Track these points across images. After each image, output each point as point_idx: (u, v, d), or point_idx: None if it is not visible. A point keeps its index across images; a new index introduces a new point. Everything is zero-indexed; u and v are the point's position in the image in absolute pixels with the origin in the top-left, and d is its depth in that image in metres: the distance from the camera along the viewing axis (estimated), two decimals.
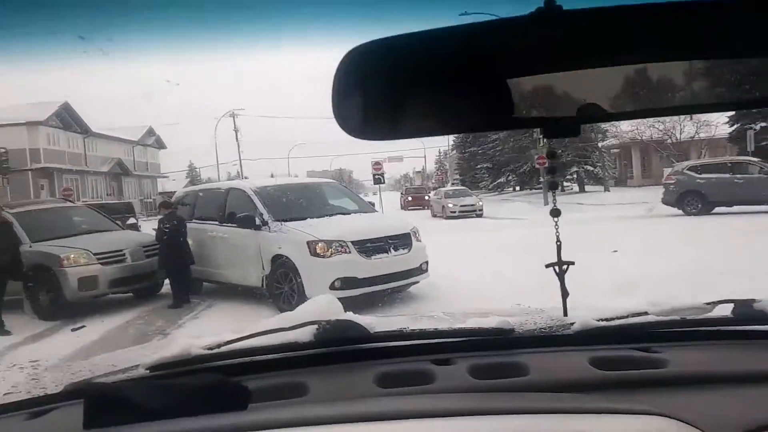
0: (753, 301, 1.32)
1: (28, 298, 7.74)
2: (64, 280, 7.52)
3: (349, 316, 1.39)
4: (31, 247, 8.07)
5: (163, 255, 7.84)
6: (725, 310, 1.34)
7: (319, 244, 6.51)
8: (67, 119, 34.21)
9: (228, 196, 7.98)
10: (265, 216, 7.14)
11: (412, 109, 0.70)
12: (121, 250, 7.98)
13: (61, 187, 30.29)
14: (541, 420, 0.84)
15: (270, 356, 1.24)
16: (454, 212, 22.95)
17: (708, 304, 1.38)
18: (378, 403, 0.95)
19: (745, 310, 1.31)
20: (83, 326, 6.94)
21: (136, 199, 35.44)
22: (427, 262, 7.07)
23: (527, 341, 1.28)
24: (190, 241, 7.90)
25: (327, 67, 0.83)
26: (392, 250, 6.76)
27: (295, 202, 7.63)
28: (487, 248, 9.87)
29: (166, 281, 8.26)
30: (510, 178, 41.73)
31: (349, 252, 6.50)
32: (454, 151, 61.90)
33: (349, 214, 7.58)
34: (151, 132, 45.36)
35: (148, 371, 1.19)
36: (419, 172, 69.26)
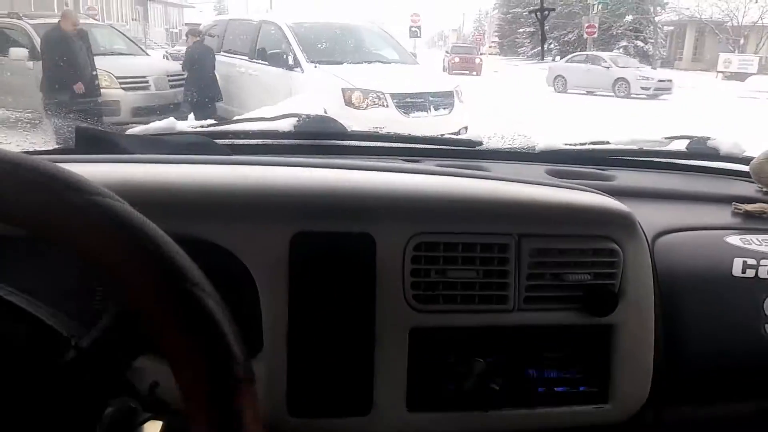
0: (707, 138, 1.39)
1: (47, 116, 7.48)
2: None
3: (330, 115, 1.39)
4: None
5: (189, 86, 7.40)
6: (681, 145, 1.42)
7: (355, 93, 6.01)
8: None
9: (260, 30, 7.33)
10: (299, 55, 6.57)
11: None
12: (144, 77, 7.52)
13: (86, 5, 29.04)
14: (484, 182, 0.90)
15: (250, 141, 1.26)
16: None
17: (666, 138, 1.45)
18: (343, 162, 0.98)
19: (698, 146, 1.39)
20: None
21: (161, 28, 34.11)
22: (466, 128, 6.59)
23: (493, 154, 1.36)
24: (217, 76, 7.41)
25: None
26: (432, 109, 6.26)
27: (333, 44, 7.00)
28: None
29: (190, 116, 7.92)
30: (552, 45, 39.38)
31: (387, 106, 6.02)
32: (496, 11, 58.29)
33: (389, 63, 6.98)
34: None
35: None
36: (455, 30, 65.70)
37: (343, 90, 6.03)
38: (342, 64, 6.48)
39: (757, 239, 1.00)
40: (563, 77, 15.95)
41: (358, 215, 0.81)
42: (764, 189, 1.19)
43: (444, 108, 6.38)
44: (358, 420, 0.82)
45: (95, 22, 9.85)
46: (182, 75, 7.93)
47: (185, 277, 0.41)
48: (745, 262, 0.96)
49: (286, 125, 1.29)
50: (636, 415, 0.90)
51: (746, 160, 1.26)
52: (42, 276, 0.62)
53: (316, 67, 6.39)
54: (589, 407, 0.88)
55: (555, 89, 15.79)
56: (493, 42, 54.76)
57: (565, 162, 1.33)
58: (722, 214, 1.10)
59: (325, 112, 5.98)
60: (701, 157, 1.38)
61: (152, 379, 0.58)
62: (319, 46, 6.85)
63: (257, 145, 1.28)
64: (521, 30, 43.15)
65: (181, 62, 7.80)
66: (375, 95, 6.01)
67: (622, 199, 0.97)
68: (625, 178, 1.24)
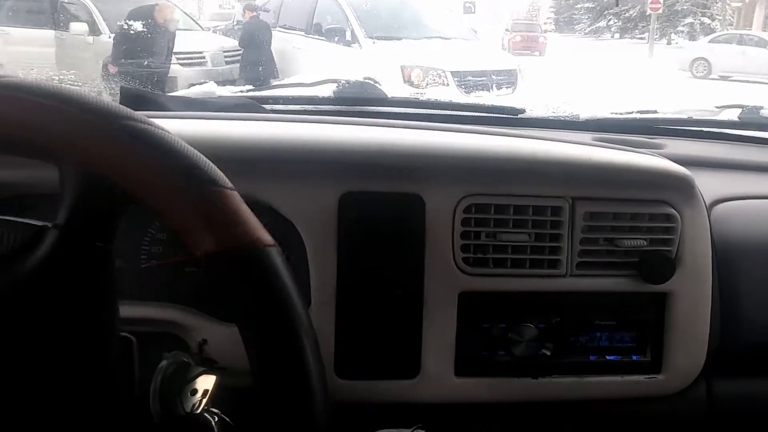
0: (761, 107, 1.35)
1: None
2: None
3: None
4: (110, 38, 7.69)
5: (246, 62, 7.31)
6: (732, 115, 1.37)
7: (415, 71, 5.79)
8: None
9: (317, 4, 7.15)
10: (357, 30, 6.37)
11: None
12: (201, 52, 7.46)
13: None
14: (537, 142, 0.86)
15: (289, 106, 1.26)
16: None
17: (717, 107, 1.41)
18: (393, 121, 0.97)
19: (751, 115, 1.34)
20: None
21: (216, 3, 34.30)
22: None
23: (536, 122, 1.31)
24: (273, 52, 7.30)
25: None
26: (494, 88, 5.99)
27: (391, 19, 6.76)
28: None
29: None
30: (612, 22, 37.81)
31: (447, 84, 5.78)
32: None
33: (449, 39, 6.70)
34: None
35: None
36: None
37: (402, 67, 5.83)
38: (401, 39, 6.26)
39: None
40: (706, 60, 13.54)
41: (408, 175, 0.79)
42: None
43: (507, 87, 6.10)
44: (405, 383, 0.81)
45: None
46: (238, 51, 7.84)
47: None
48: None
49: (326, 90, 1.30)
50: (688, 387, 0.88)
51: None
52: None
53: (374, 42, 6.18)
54: (641, 377, 0.86)
55: (693, 74, 13.43)
56: (548, 18, 53.18)
57: (612, 130, 1.28)
58: None
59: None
60: (754, 127, 1.34)
61: (201, 337, 0.63)
62: (378, 20, 6.63)
63: (297, 110, 1.27)
64: (579, 5, 41.73)
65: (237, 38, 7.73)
66: (435, 73, 5.78)
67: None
68: (676, 146, 1.19)
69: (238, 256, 0.44)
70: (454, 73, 5.80)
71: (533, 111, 1.35)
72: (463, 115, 1.32)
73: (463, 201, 0.79)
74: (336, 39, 6.46)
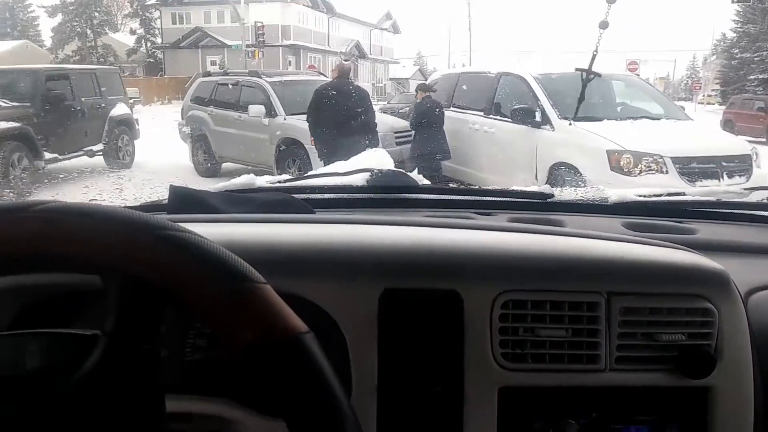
0: None
1: (280, 173, 7.47)
2: (314, 159, 7.03)
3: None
4: (285, 119, 7.74)
5: (417, 144, 6.91)
6: (762, 196, 1.41)
7: (625, 156, 4.93)
8: None
9: (499, 83, 6.61)
10: (548, 110, 5.68)
11: None
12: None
13: (306, 64, 31.71)
14: (570, 239, 0.88)
15: (326, 195, 1.30)
16: None
17: (746, 189, 1.43)
18: (429, 220, 1.08)
19: None
20: None
21: (368, 83, 36.03)
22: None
23: (565, 206, 1.33)
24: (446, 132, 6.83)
25: None
26: (725, 177, 4.93)
27: (586, 98, 6.01)
28: None
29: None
30: (760, 89, 34.05)
31: (666, 172, 4.84)
32: (714, 57, 52.71)
33: (658, 119, 5.79)
34: (388, 16, 45.23)
35: None
36: (663, 78, 60.51)
37: (608, 152, 5.00)
38: (602, 120, 5.46)
39: None
40: None
41: (446, 273, 0.81)
42: None
43: (740, 175, 5.01)
44: None
45: (325, 78, 9.98)
46: (408, 132, 7.52)
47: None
48: None
49: (360, 180, 1.33)
50: None
51: None
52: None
53: (570, 124, 5.43)
54: None
55: None
56: (713, 90, 49.50)
57: (640, 214, 1.28)
58: None
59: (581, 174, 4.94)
60: None
61: None
62: (570, 100, 5.90)
63: (333, 199, 1.31)
64: (752, 77, 38.30)
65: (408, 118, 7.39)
66: (651, 159, 4.87)
67: (708, 253, 0.94)
68: (707, 231, 1.19)
69: (273, 346, 0.46)
70: (674, 159, 4.85)
71: (562, 195, 1.36)
72: (492, 201, 1.35)
73: (500, 297, 0.80)
74: (523, 120, 5.79)
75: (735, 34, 42.17)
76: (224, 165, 9.01)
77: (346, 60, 6.62)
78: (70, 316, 0.70)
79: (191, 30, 34.70)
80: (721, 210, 1.31)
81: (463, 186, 1.61)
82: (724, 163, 4.95)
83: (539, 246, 0.86)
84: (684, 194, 1.37)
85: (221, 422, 0.77)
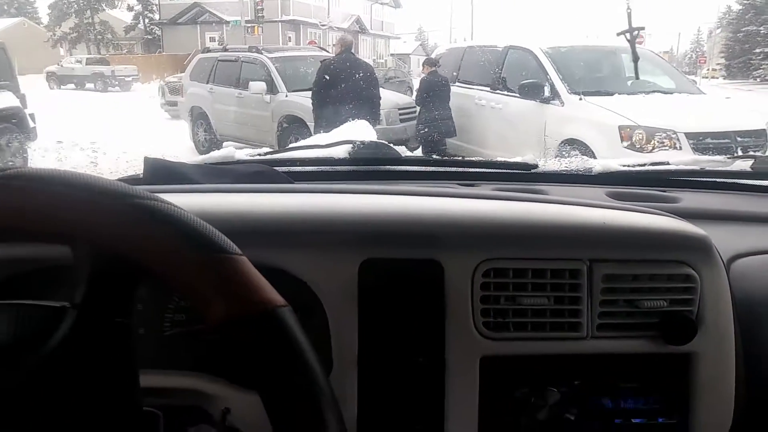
0: None
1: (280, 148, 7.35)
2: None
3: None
4: (287, 96, 7.59)
5: (422, 121, 6.77)
6: (746, 165, 1.37)
7: (637, 132, 4.80)
8: None
9: (506, 57, 6.43)
10: (558, 86, 5.53)
11: None
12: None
13: (306, 40, 31.31)
14: (553, 206, 0.88)
15: (307, 168, 1.28)
16: None
17: (729, 158, 1.42)
18: (410, 188, 1.02)
19: (763, 165, 1.36)
20: None
21: (370, 59, 35.63)
22: None
23: (549, 176, 1.32)
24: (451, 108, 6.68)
25: None
26: (739, 152, 4.80)
27: (597, 71, 5.86)
28: None
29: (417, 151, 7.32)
30: None
31: (680, 148, 4.72)
32: (719, 30, 52.03)
33: (670, 93, 5.64)
34: None
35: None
36: (667, 52, 59.70)
37: (620, 127, 4.86)
38: (613, 95, 5.32)
39: None
40: None
41: (426, 242, 0.80)
42: None
43: (755, 150, 4.87)
44: None
45: (327, 53, 9.78)
46: (413, 108, 7.38)
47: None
48: None
49: (342, 152, 1.30)
50: None
51: None
52: None
53: (581, 99, 5.29)
54: None
55: None
56: (718, 64, 48.90)
57: (625, 184, 1.28)
58: None
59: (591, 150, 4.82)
60: (767, 177, 1.33)
61: (224, 406, 0.69)
62: (581, 74, 5.75)
63: (314, 171, 1.29)
64: (758, 50, 37.74)
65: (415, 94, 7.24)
66: (664, 134, 4.74)
67: (691, 221, 0.95)
68: (690, 199, 1.20)
69: (250, 320, 0.45)
70: (688, 135, 4.72)
71: (546, 166, 1.34)
72: (476, 172, 1.32)
73: (482, 266, 0.79)
74: (532, 95, 5.64)
75: (741, 7, 41.53)
76: (225, 143, 8.89)
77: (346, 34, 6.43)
78: (41, 289, 0.67)
79: (189, 6, 34.20)
80: (704, 179, 1.31)
81: (446, 157, 1.66)
82: (738, 138, 4.83)
83: (521, 214, 0.84)
84: (668, 163, 1.35)
85: (198, 396, 0.75)
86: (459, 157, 6.39)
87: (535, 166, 1.31)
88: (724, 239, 0.95)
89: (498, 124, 6.27)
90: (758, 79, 36.63)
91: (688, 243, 0.84)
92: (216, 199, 0.84)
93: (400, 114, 7.35)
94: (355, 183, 1.19)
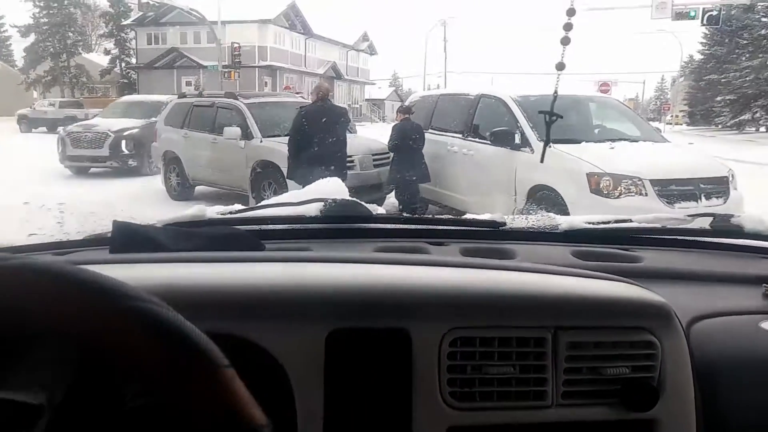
0: (731, 216, 1.40)
1: (255, 197, 7.33)
2: (291, 182, 6.90)
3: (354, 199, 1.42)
4: (261, 142, 7.62)
5: (396, 167, 6.84)
6: (705, 223, 1.42)
7: (604, 179, 4.92)
8: (292, 19, 35.27)
9: (478, 104, 6.59)
10: (528, 133, 5.66)
11: None
12: (351, 156, 7.08)
13: (282, 85, 31.68)
14: (519, 275, 0.90)
15: (278, 226, 1.29)
16: None
17: (690, 216, 1.44)
18: (377, 256, 1.07)
19: (722, 224, 1.40)
20: None
21: (345, 104, 36.11)
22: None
23: (516, 234, 1.35)
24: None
25: None
26: (703, 198, 4.95)
27: (564, 119, 6.01)
28: None
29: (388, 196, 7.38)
30: (758, 114, 34.97)
31: (645, 194, 4.83)
32: (682, 79, 54.05)
33: (636, 141, 5.81)
34: (365, 37, 45.55)
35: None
36: (632, 99, 61.56)
37: (588, 175, 4.98)
38: (580, 143, 5.45)
39: None
40: None
41: (394, 311, 0.80)
42: None
43: (717, 197, 5.03)
44: None
45: (303, 100, 9.88)
46: (386, 154, 7.45)
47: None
48: None
49: (313, 210, 1.31)
50: None
51: None
52: None
53: (550, 146, 5.41)
54: None
55: None
56: (681, 111, 50.61)
57: (590, 242, 1.32)
58: (754, 296, 1.07)
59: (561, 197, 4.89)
60: (726, 235, 1.37)
61: None
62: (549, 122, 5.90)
63: (286, 230, 1.29)
64: (719, 98, 39.25)
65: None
66: (630, 181, 4.86)
67: (653, 281, 1.00)
68: (652, 258, 1.23)
69: None
70: (653, 182, 4.85)
71: (513, 223, 1.37)
72: (445, 230, 1.35)
73: (449, 334, 0.79)
74: (503, 142, 5.77)
75: (702, 56, 43.34)
76: (198, 188, 8.84)
77: (323, 81, 6.54)
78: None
79: (167, 50, 34.50)
80: (665, 236, 1.36)
81: (415, 216, 1.78)
82: (701, 185, 4.97)
83: (488, 282, 0.86)
84: (631, 221, 1.39)
85: None
86: (455, 208, 6.46)
87: (503, 224, 1.34)
88: (685, 301, 0.98)
89: (470, 170, 6.38)
90: (719, 126, 37.92)
91: (649, 310, 0.85)
92: (183, 271, 0.84)
93: (374, 159, 7.43)
94: (325, 247, 1.20)
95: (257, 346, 0.75)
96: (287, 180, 6.44)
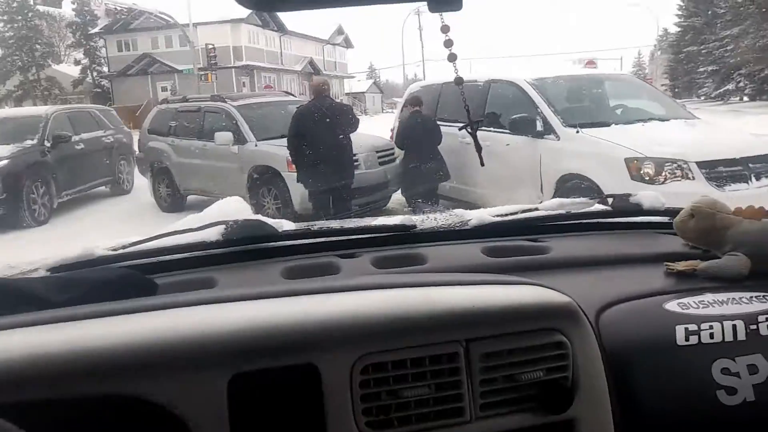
0: (629, 195, 1.42)
1: (253, 205, 6.81)
2: (293, 187, 6.40)
3: (258, 217, 1.36)
4: (256, 146, 7.10)
5: (409, 165, 6.34)
6: (606, 204, 1.45)
7: (646, 164, 4.49)
8: (265, 17, 34.51)
9: (489, 91, 6.13)
10: (551, 119, 5.22)
11: None
12: (355, 155, 6.58)
13: (261, 84, 31.01)
14: (425, 291, 0.88)
15: (177, 255, 1.24)
16: None
17: (590, 199, 1.47)
18: (284, 286, 1.02)
19: (621, 204, 1.43)
20: None
21: None
22: None
23: (427, 236, 1.34)
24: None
25: None
26: (753, 179, 4.53)
27: (586, 101, 5.58)
28: None
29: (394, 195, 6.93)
30: (741, 84, 34.97)
31: (693, 178, 4.41)
32: (660, 53, 54.14)
33: (666, 120, 5.38)
34: (340, 31, 44.92)
35: (48, 272, 1.14)
36: None
37: (627, 160, 4.54)
38: (609, 125, 5.02)
39: (694, 302, 0.98)
40: None
41: (298, 347, 0.77)
42: (690, 244, 1.19)
43: (767, 176, 4.62)
44: None
45: (293, 98, 9.33)
46: (392, 150, 6.98)
47: None
48: (686, 329, 0.94)
49: (214, 234, 1.25)
50: None
51: (668, 212, 1.32)
52: None
53: (578, 131, 4.97)
54: None
55: None
56: (663, 84, 50.73)
57: (499, 235, 1.33)
58: (657, 275, 1.10)
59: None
60: (626, 214, 1.41)
61: None
62: (571, 105, 5.46)
63: (186, 259, 1.23)
64: (701, 69, 39.19)
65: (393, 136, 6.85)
66: (674, 165, 4.43)
67: (561, 272, 1.06)
68: (559, 247, 1.24)
69: None
70: (700, 164, 4.43)
71: (424, 224, 1.36)
72: (354, 239, 1.32)
73: (359, 362, 0.77)
74: (523, 130, 5.32)
75: (679, 29, 43.20)
76: (189, 198, 8.30)
77: (316, 76, 6.03)
78: None
79: (139, 57, 33.62)
80: (570, 222, 1.37)
81: (324, 228, 1.32)
82: (750, 165, 4.56)
83: (393, 303, 0.84)
84: (537, 209, 1.40)
85: None
86: (471, 203, 5.96)
87: (414, 227, 1.33)
88: (592, 290, 1.01)
89: (488, 162, 5.90)
90: (702, 98, 37.90)
91: (555, 310, 0.86)
92: (63, 333, 0.76)
93: (379, 157, 6.93)
94: (229, 273, 1.17)
95: (153, 404, 0.71)
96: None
